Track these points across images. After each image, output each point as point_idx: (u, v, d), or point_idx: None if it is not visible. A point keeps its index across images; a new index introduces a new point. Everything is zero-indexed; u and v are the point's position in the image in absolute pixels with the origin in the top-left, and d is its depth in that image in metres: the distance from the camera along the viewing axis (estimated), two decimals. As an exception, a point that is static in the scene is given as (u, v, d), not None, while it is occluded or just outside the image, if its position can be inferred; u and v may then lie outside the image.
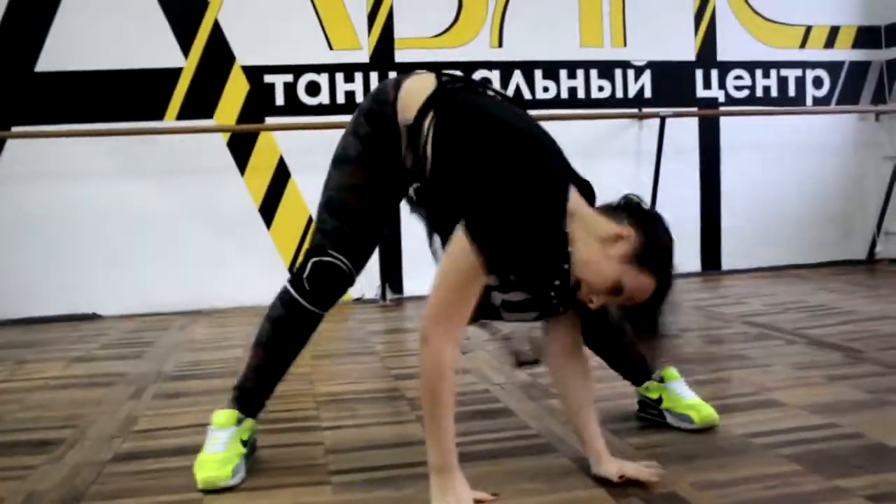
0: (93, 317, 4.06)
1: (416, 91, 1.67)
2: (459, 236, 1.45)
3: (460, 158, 1.54)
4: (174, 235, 4.17)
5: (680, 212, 4.68)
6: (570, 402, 1.66)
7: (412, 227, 4.35)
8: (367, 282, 4.41)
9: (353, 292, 4.38)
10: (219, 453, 1.68)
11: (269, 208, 4.33)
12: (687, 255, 4.84)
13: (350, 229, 1.73)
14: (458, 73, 1.84)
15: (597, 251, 1.46)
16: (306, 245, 1.81)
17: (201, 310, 4.17)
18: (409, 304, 4.30)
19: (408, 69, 2.06)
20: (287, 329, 1.79)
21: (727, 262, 4.88)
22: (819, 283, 4.23)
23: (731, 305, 3.72)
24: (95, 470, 1.78)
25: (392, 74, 4.21)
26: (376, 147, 1.72)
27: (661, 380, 1.94)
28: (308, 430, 2.07)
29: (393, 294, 4.44)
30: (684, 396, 1.92)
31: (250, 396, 1.81)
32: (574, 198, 1.50)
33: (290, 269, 2.00)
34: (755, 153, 4.87)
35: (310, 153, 4.40)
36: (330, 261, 1.72)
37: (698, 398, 1.92)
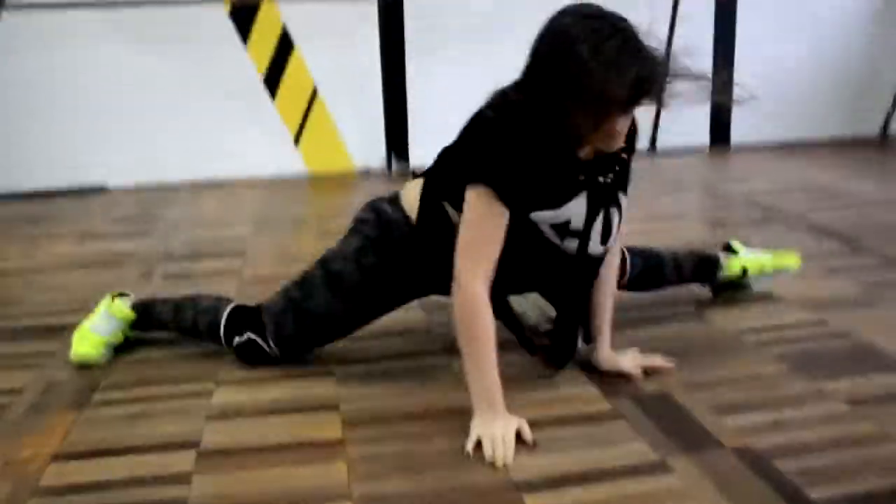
0: (99, 189, 4.08)
1: (412, 198, 1.68)
2: (466, 196, 1.45)
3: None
4: (179, 106, 4.11)
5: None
6: (595, 293, 1.66)
7: (419, 93, 4.36)
8: (373, 152, 4.39)
9: (357, 163, 4.38)
10: (102, 336, 1.84)
11: (273, 79, 4.25)
12: (696, 129, 4.78)
13: (309, 343, 1.78)
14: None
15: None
16: (265, 299, 1.82)
17: (208, 180, 4.17)
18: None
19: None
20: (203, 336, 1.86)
21: (737, 136, 4.82)
22: (828, 162, 4.18)
23: (737, 183, 3.70)
24: (108, 359, 1.85)
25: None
26: (380, 278, 1.70)
27: (731, 250, 2.12)
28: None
29: (399, 164, 4.42)
30: (762, 256, 2.12)
31: (151, 323, 1.91)
32: None
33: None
34: (771, 23, 4.70)
35: (314, 23, 4.30)
36: (263, 349, 1.75)
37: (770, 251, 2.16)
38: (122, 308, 1.89)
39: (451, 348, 1.64)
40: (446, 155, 1.66)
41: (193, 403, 1.60)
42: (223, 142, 4.18)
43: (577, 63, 1.31)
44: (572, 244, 1.53)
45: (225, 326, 1.78)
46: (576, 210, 1.50)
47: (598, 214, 1.52)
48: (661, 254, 2.04)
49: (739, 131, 4.81)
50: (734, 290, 2.10)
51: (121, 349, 1.88)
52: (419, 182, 1.72)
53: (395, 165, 4.40)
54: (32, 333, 2.06)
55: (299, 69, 4.25)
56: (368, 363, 1.78)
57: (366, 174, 4.36)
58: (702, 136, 4.79)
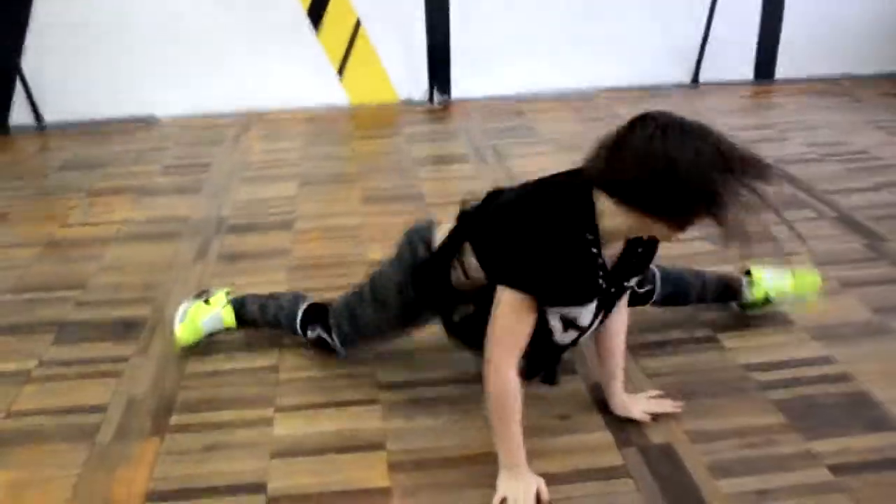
0: (149, 119, 4.22)
1: (443, 231, 1.84)
2: (499, 294, 1.58)
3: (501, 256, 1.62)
4: (225, 40, 4.19)
5: (737, 13, 4.54)
6: (604, 349, 1.86)
7: (462, 24, 4.36)
8: (415, 82, 4.45)
9: (400, 95, 4.45)
10: (206, 330, 2.17)
11: (317, 12, 4.26)
12: (741, 62, 4.74)
13: (363, 342, 2.05)
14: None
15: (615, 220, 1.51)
16: (333, 301, 2.09)
17: (254, 112, 4.29)
18: (456, 110, 4.37)
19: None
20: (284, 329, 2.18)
21: (781, 71, 4.77)
22: (869, 113, 4.17)
23: (772, 143, 3.74)
24: (178, 370, 2.09)
25: None
26: (420, 306, 1.90)
27: (750, 275, 2.23)
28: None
29: (441, 96, 4.48)
30: (783, 281, 2.23)
31: (243, 320, 2.20)
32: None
33: None
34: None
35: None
36: (328, 343, 2.05)
37: (790, 273, 2.24)
38: (231, 316, 2.18)
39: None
40: (491, 212, 1.73)
41: (259, 435, 1.83)
42: (268, 74, 4.27)
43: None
44: (571, 335, 1.71)
45: (301, 321, 2.09)
46: (588, 309, 1.66)
47: (604, 312, 1.70)
48: (687, 279, 2.19)
49: (784, 67, 4.77)
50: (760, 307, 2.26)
51: (193, 355, 2.13)
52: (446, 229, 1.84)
53: (436, 97, 4.47)
54: (103, 331, 2.28)
55: (342, 1, 4.25)
56: (412, 389, 2.00)
57: (408, 105, 4.44)
58: (746, 70, 4.76)
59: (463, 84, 4.46)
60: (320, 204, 3.14)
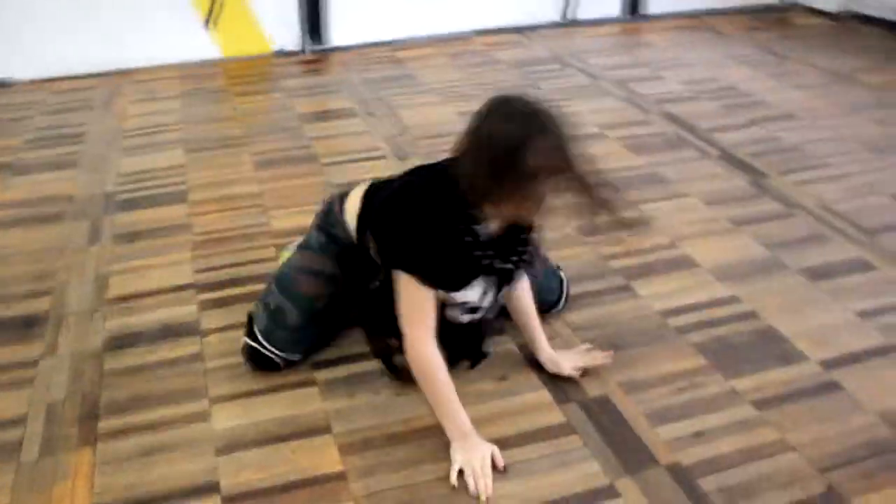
0: (4, 83, 3.86)
1: (351, 216, 1.87)
2: (395, 276, 1.68)
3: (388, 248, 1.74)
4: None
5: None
6: (518, 317, 1.95)
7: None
8: (286, 29, 4.28)
9: (272, 44, 4.28)
10: None
11: (179, -41, 4.00)
12: (610, 0, 4.84)
13: (293, 308, 1.92)
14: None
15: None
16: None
17: (120, 71, 4.01)
18: (332, 60, 4.25)
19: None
20: None
21: (649, 7, 4.90)
22: (733, 48, 4.37)
23: (650, 82, 3.87)
24: (95, 367, 1.97)
25: None
26: (338, 244, 1.92)
27: None
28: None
29: (314, 45, 4.34)
30: None
31: None
32: None
33: None
34: None
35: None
36: (256, 348, 1.92)
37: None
38: None
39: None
40: (380, 195, 1.83)
41: (198, 432, 1.77)
42: (132, 29, 4.00)
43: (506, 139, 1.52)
44: (472, 315, 1.79)
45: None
46: (474, 291, 1.74)
47: (501, 286, 1.78)
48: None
49: (651, 1, 4.91)
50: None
51: (109, 349, 2.02)
52: (358, 198, 1.88)
53: (310, 45, 4.32)
54: (2, 329, 2.12)
55: (207, -52, 4.01)
56: (346, 365, 1.97)
57: (281, 55, 4.28)
58: (614, 7, 4.87)
59: (335, 32, 4.34)
60: (211, 171, 3.00)
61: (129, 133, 3.35)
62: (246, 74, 4.04)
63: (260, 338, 1.92)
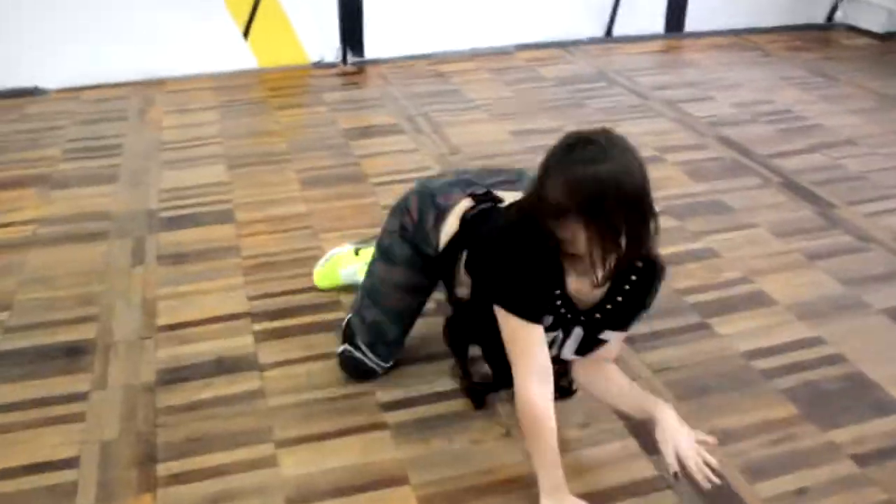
0: (35, 91, 3.76)
1: (446, 236, 1.78)
2: (501, 318, 1.59)
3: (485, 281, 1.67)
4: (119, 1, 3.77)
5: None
6: (608, 393, 1.74)
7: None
8: (326, 42, 4.18)
9: (311, 55, 4.18)
10: (343, 278, 2.24)
11: (218, -32, 3.90)
12: (653, 15, 4.73)
13: (390, 323, 1.89)
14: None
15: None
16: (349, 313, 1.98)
17: (152, 80, 3.91)
18: (372, 72, 4.14)
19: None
20: None
21: (689, 24, 4.79)
22: (780, 68, 4.26)
23: (701, 103, 3.75)
24: (149, 403, 1.86)
25: None
26: (423, 259, 1.84)
27: None
28: (334, 318, 2.13)
29: (354, 56, 4.24)
30: None
31: None
32: None
33: None
34: None
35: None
36: (360, 358, 1.90)
37: None
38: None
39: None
40: (480, 228, 1.73)
41: (266, 478, 1.65)
42: (166, 37, 3.89)
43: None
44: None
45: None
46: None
47: (563, 335, 1.67)
48: None
49: (693, 20, 4.80)
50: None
51: (162, 382, 1.91)
52: (457, 220, 1.77)
53: (349, 57, 4.22)
54: (46, 362, 2.00)
55: (247, -43, 3.92)
56: (416, 407, 1.86)
57: (320, 67, 4.18)
58: (657, 24, 4.77)
59: (375, 43, 4.23)
60: (256, 189, 2.89)
61: (167, 146, 3.24)
62: (284, 86, 3.93)
63: (365, 349, 1.89)
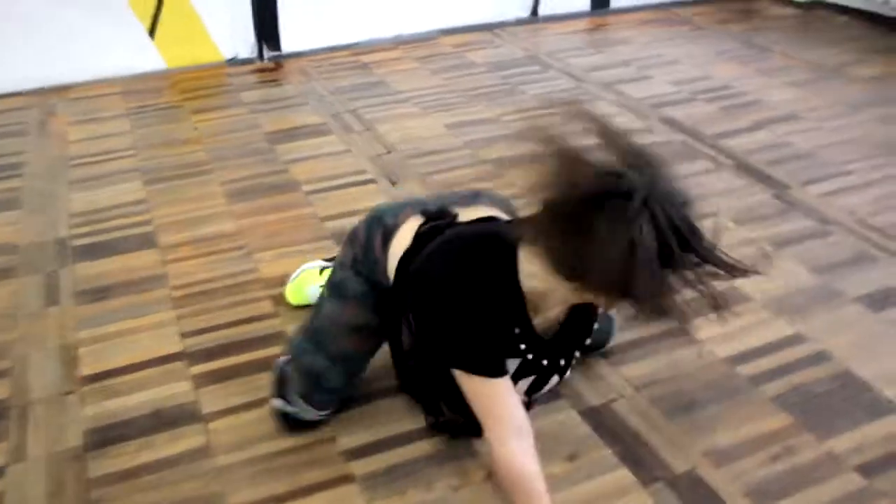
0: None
1: (395, 257, 1.57)
2: (458, 377, 1.42)
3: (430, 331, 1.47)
4: (14, 3, 3.40)
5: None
6: None
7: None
8: (240, 37, 3.90)
9: (224, 52, 3.90)
10: (310, 297, 2.03)
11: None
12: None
13: (335, 370, 1.67)
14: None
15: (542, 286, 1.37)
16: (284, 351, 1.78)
17: (52, 87, 3.56)
18: (291, 67, 3.88)
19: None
20: None
21: (616, 0, 4.68)
22: (712, 42, 4.17)
23: (639, 83, 3.63)
24: (79, 474, 1.61)
25: None
26: (378, 291, 1.63)
27: None
28: (279, 354, 1.92)
29: (270, 51, 3.96)
30: None
31: None
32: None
33: None
34: None
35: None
36: (292, 413, 1.69)
37: None
38: None
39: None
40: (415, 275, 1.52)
41: (223, 558, 1.45)
42: (64, 39, 3.54)
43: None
44: None
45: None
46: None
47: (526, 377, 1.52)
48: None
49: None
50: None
51: (93, 447, 1.66)
52: (407, 240, 1.57)
53: (266, 52, 3.95)
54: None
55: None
56: (385, 452, 1.66)
57: (235, 64, 3.90)
58: (582, 2, 4.64)
59: (292, 36, 3.97)
60: (178, 206, 2.62)
61: (75, 162, 2.94)
62: (197, 88, 3.64)
63: (298, 401, 1.66)
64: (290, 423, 1.69)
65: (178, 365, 1.91)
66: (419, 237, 1.56)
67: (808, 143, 3.03)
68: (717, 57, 3.95)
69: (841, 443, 1.69)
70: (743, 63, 3.87)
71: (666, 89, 3.56)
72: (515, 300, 1.39)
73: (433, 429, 1.69)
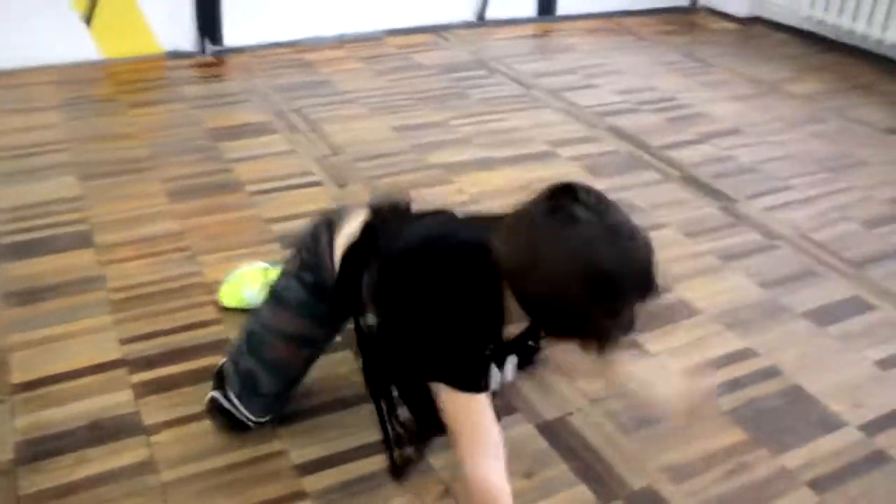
0: None
1: (340, 246, 1.55)
2: (439, 392, 1.36)
3: (399, 323, 1.44)
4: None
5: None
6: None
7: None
8: (180, 29, 3.77)
9: (164, 44, 3.76)
10: (248, 300, 1.97)
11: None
12: (523, 0, 4.60)
13: (268, 375, 1.62)
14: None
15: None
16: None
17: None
18: (233, 62, 3.77)
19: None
20: None
21: (562, 7, 4.69)
22: (656, 53, 4.23)
23: (585, 92, 3.64)
24: (9, 490, 1.51)
25: None
26: (321, 297, 1.58)
27: None
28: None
29: (212, 45, 3.84)
30: None
31: None
32: None
33: None
34: None
35: None
36: (228, 409, 1.63)
37: None
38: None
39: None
40: (392, 248, 1.48)
41: (168, 581, 1.37)
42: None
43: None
44: None
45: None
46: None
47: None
48: None
49: (565, 2, 4.71)
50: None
51: (23, 461, 1.56)
52: (355, 229, 1.54)
53: (208, 46, 3.83)
54: None
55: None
56: (339, 466, 1.60)
57: (175, 57, 3.77)
58: (528, 8, 4.64)
59: (235, 30, 3.86)
60: (116, 204, 2.51)
61: (3, 154, 2.78)
62: (136, 80, 3.50)
63: (234, 400, 1.61)
64: (227, 420, 1.64)
65: (117, 373, 1.82)
66: (370, 228, 1.53)
67: (750, 157, 3.08)
68: (660, 68, 4.00)
69: (793, 458, 1.70)
70: (686, 75, 3.92)
71: (612, 98, 3.58)
72: (498, 316, 1.35)
73: (393, 474, 1.60)
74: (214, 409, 1.65)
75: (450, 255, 1.39)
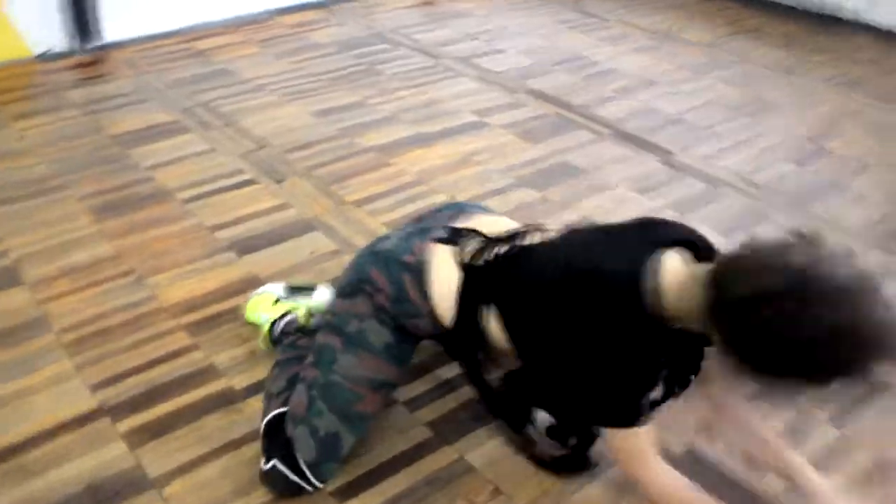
0: None
1: (443, 299, 1.43)
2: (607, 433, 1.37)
3: (545, 350, 1.37)
4: None
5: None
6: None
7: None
8: (50, 28, 3.42)
9: (34, 46, 3.41)
10: (262, 321, 1.82)
11: None
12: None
13: (349, 434, 1.49)
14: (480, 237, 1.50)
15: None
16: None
17: None
18: (116, 60, 3.45)
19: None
20: None
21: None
22: (550, 11, 4.20)
23: (493, 57, 3.58)
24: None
25: None
26: (405, 338, 1.51)
27: None
28: (216, 391, 1.70)
29: (87, 42, 3.50)
30: None
31: None
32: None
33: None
34: None
35: None
36: (294, 480, 1.46)
37: None
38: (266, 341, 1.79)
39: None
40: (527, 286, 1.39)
41: None
42: None
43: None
44: None
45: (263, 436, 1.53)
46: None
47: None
48: None
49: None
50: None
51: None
52: (453, 272, 1.43)
53: (81, 46, 3.49)
54: None
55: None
56: (375, 486, 1.50)
57: (48, 59, 3.42)
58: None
59: (111, 24, 3.54)
60: (36, 232, 2.23)
61: None
62: (10, 88, 3.14)
63: (305, 469, 1.45)
64: (282, 491, 1.47)
65: (99, 424, 1.62)
66: (473, 270, 1.42)
67: (672, 108, 3.12)
68: (560, 27, 3.99)
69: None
70: (585, 32, 3.93)
71: (523, 61, 3.54)
72: (656, 357, 1.27)
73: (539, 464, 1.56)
74: (276, 478, 1.47)
75: (603, 292, 1.27)
